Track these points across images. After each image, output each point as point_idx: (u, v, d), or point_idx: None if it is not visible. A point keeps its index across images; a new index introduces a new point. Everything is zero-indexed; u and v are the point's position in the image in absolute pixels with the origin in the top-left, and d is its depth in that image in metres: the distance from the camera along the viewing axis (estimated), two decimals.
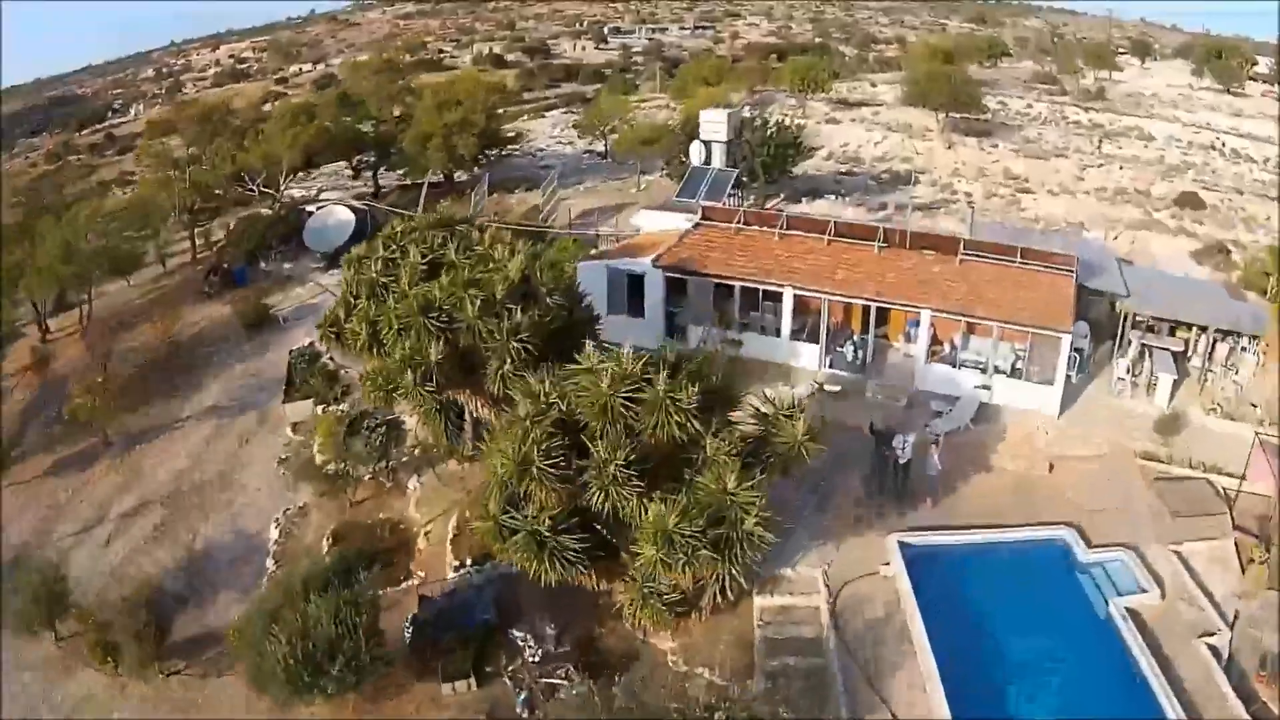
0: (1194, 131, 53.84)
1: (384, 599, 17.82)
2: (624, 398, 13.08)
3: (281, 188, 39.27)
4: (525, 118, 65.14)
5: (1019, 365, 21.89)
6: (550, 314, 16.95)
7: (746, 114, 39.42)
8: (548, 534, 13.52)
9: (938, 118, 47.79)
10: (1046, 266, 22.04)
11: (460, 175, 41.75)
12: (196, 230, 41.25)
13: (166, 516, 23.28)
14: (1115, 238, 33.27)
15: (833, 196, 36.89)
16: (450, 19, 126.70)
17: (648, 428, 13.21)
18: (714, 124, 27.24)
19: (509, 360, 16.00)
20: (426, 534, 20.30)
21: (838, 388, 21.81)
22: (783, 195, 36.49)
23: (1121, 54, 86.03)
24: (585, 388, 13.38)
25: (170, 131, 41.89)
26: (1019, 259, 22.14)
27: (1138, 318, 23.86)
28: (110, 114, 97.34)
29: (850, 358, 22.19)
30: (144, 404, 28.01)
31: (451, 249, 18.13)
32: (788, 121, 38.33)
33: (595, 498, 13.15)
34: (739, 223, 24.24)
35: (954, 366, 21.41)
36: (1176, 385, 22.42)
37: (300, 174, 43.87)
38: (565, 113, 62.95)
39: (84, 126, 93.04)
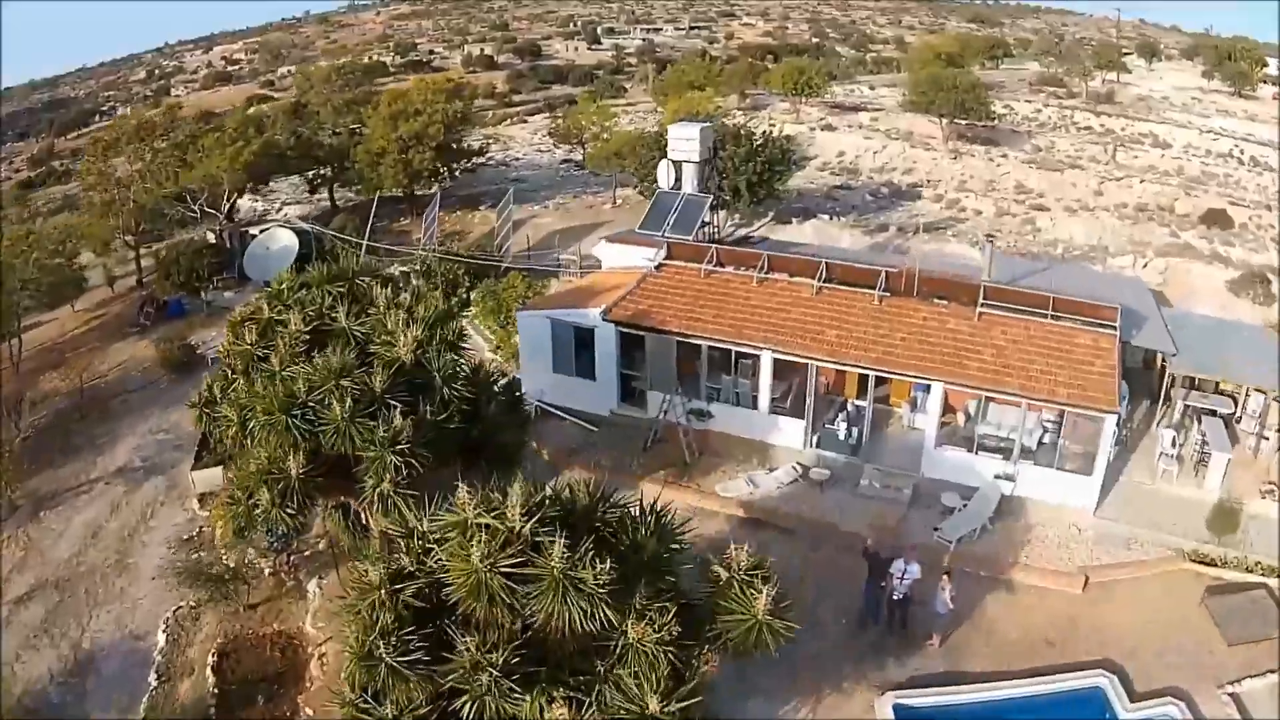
0: (1212, 138, 49.37)
1: None
2: (505, 572, 8.85)
3: (224, 209, 35.04)
4: (509, 122, 60.98)
5: (1045, 440, 17.70)
6: (449, 412, 12.74)
7: (732, 121, 35.07)
8: None
9: (941, 124, 43.31)
10: (1085, 322, 17.69)
11: (428, 189, 37.47)
12: (144, 252, 37.42)
13: (59, 605, 19.82)
14: (1144, 266, 28.94)
15: (827, 216, 32.55)
16: (444, 19, 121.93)
17: (541, 612, 9.00)
18: (684, 141, 22.75)
19: (388, 478, 11.82)
20: (321, 657, 16.22)
21: (826, 473, 17.54)
22: (770, 215, 32.16)
23: (1126, 54, 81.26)
24: (454, 553, 9.17)
25: (113, 146, 37.53)
26: (1052, 310, 17.77)
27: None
28: (97, 116, 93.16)
29: (842, 435, 17.85)
30: (55, 461, 24.46)
31: (342, 313, 13.93)
32: (776, 131, 33.98)
33: (467, 710, 8.95)
34: (710, 263, 19.91)
35: (970, 450, 17.06)
36: (1230, 463, 18.14)
37: (258, 188, 39.77)
38: (549, 118, 58.67)
39: (68, 130, 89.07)
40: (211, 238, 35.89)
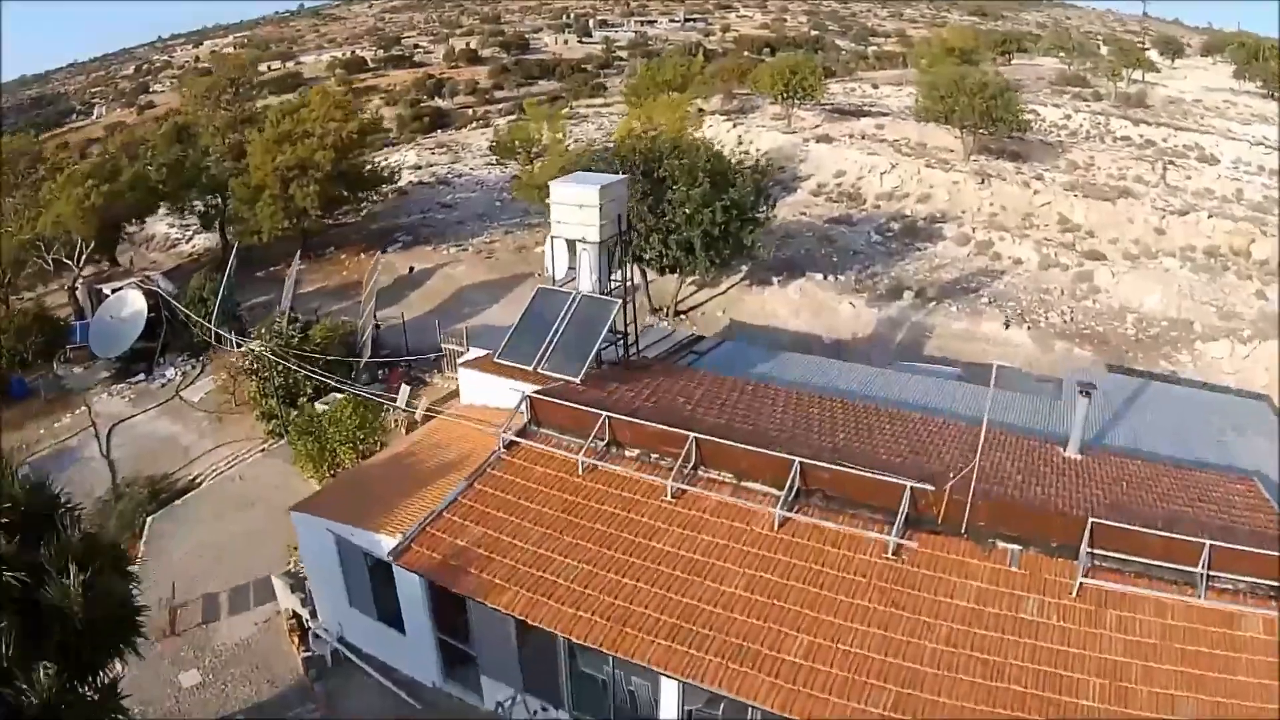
0: (1263, 151, 39.59)
1: None
2: None
3: (78, 261, 26.31)
4: (472, 126, 51.76)
5: None
6: None
7: (688, 136, 25.70)
8: None
9: (962, 136, 33.64)
10: (1251, 587, 8.68)
11: (323, 223, 28.32)
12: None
13: None
14: (1245, 356, 19.72)
15: (820, 275, 23.27)
16: (436, 12, 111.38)
17: None
18: (576, 209, 13.18)
19: None
20: None
21: None
22: (744, 272, 23.02)
23: (1144, 50, 70.74)
24: None
25: None
26: (1207, 571, 8.74)
27: None
28: (74, 116, 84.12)
29: None
30: None
31: None
32: (752, 152, 24.68)
33: None
34: (600, 443, 10.90)
35: None
36: None
37: (122, 235, 30.91)
38: (516, 120, 49.37)
39: (42, 130, 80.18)
40: (65, 297, 27.30)
